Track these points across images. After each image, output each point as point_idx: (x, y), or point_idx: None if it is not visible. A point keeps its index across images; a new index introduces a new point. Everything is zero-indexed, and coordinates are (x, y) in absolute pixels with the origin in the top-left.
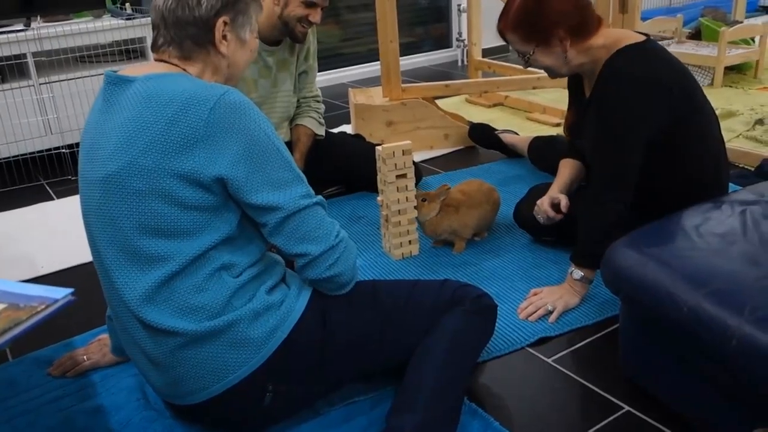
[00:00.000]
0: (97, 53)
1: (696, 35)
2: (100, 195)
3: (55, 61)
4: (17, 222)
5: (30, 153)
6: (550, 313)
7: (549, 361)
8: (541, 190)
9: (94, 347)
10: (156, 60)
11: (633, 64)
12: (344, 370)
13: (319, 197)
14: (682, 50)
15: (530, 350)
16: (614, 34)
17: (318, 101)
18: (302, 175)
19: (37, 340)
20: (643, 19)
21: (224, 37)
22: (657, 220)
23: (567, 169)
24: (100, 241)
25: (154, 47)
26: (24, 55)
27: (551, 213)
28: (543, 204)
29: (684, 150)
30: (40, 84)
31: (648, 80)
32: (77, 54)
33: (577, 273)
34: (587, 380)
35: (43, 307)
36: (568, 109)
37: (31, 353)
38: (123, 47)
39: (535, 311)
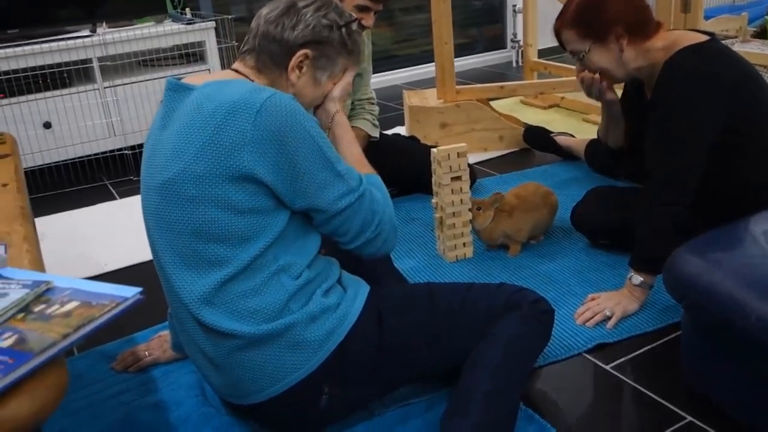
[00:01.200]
0: (158, 57)
1: (762, 34)
2: (158, 201)
3: (119, 66)
4: (82, 221)
5: (94, 154)
6: (609, 318)
7: (607, 368)
8: (599, 193)
9: (155, 343)
10: (231, 68)
11: (693, 62)
12: (399, 372)
13: (363, 187)
14: (747, 49)
15: (588, 356)
16: (673, 36)
17: (372, 103)
18: (342, 170)
19: (101, 335)
20: (706, 17)
21: (300, 67)
22: (721, 225)
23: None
24: (158, 244)
25: (239, 52)
26: (90, 60)
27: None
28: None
29: (749, 152)
30: (104, 88)
31: (709, 77)
32: (140, 58)
33: (637, 278)
34: (647, 389)
35: (114, 305)
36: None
37: (96, 348)
38: (183, 51)
39: (593, 316)
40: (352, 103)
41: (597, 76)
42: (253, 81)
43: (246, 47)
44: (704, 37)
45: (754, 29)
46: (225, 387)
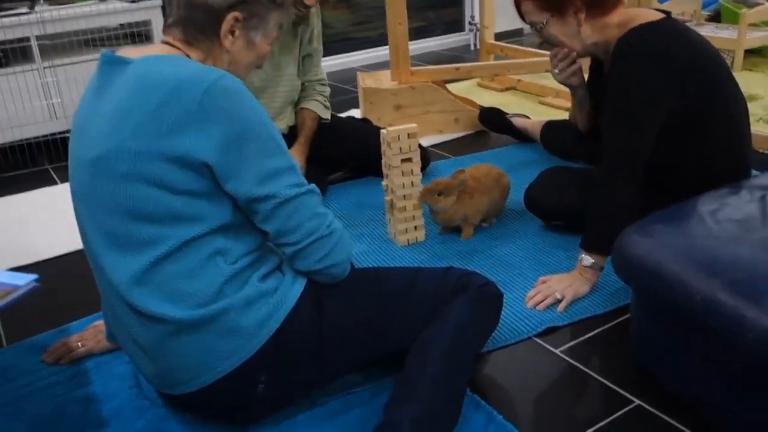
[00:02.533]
0: (102, 37)
1: (715, 17)
2: (88, 178)
3: (59, 45)
4: (21, 206)
5: (34, 137)
6: (559, 301)
7: (557, 352)
8: (552, 174)
9: (89, 334)
10: (162, 42)
11: (646, 40)
12: (342, 359)
13: (312, 185)
14: (702, 33)
15: (537, 340)
16: (630, 13)
17: (323, 84)
18: (295, 163)
19: (32, 325)
20: (660, 0)
21: (232, 32)
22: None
23: None
24: (87, 224)
25: (164, 26)
26: (27, 39)
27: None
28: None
29: (704, 132)
30: (44, 68)
31: (661, 55)
32: (82, 37)
33: (587, 260)
34: (597, 372)
35: (4, 293)
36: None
37: (26, 339)
38: (129, 30)
39: (543, 300)
40: (303, 84)
41: (569, 52)
42: (188, 56)
43: (171, 20)
44: (660, 15)
45: (708, 13)
46: (157, 376)
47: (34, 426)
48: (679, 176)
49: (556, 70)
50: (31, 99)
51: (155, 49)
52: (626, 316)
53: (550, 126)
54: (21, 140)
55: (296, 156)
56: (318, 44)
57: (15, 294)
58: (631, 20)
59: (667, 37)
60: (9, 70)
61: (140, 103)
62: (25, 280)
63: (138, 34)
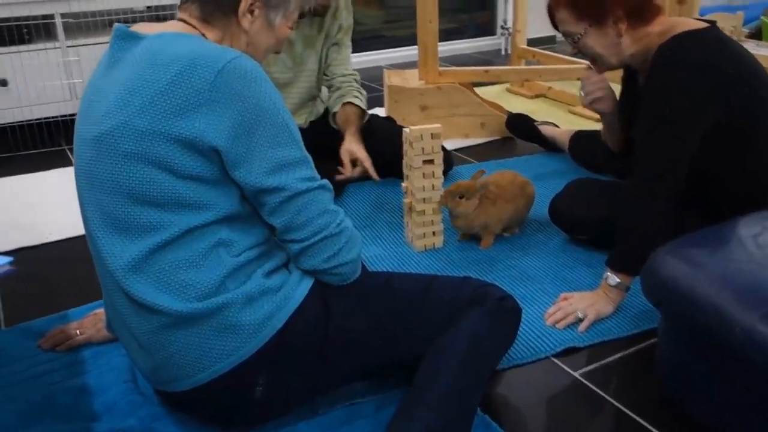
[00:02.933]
0: (127, 18)
1: (756, 35)
2: (91, 156)
3: (83, 24)
4: (34, 186)
5: (53, 117)
6: (581, 321)
7: (576, 374)
8: (580, 185)
9: (89, 321)
10: (178, 19)
11: (689, 48)
12: (346, 366)
13: (325, 181)
14: None
15: (556, 361)
16: (671, 22)
17: (358, 82)
18: (308, 156)
19: (31, 309)
20: (701, 14)
21: (251, 11)
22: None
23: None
24: (87, 205)
25: (180, 2)
26: (52, 16)
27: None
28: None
29: (746, 147)
30: (67, 47)
31: (704, 64)
32: (107, 18)
33: (613, 279)
34: (617, 399)
35: None
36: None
37: (24, 323)
38: (156, 13)
39: (564, 318)
40: (335, 79)
41: (602, 78)
42: (204, 35)
43: None
44: (704, 24)
45: (749, 30)
46: (151, 371)
47: (23, 413)
48: (717, 194)
49: (585, 94)
50: (53, 77)
51: (170, 25)
52: (652, 341)
53: (579, 136)
54: (39, 119)
55: (355, 148)
56: (347, 39)
57: None
58: (673, 28)
59: (712, 46)
60: (32, 46)
61: (150, 80)
62: None
63: (165, 18)
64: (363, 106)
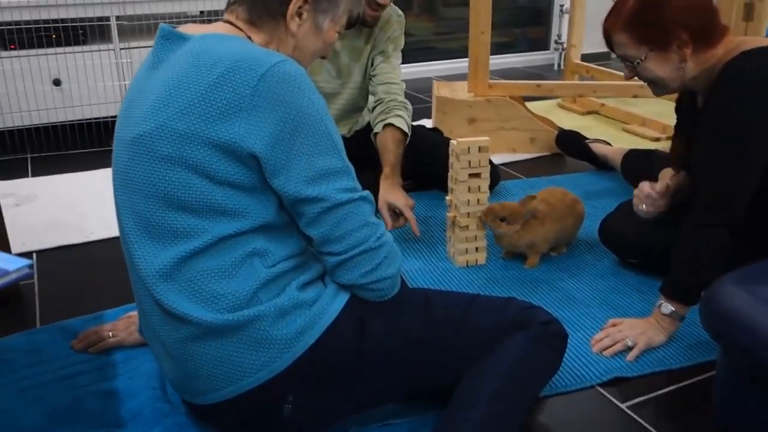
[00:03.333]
0: (180, 22)
1: None
2: (128, 157)
3: (137, 27)
4: (80, 185)
5: (104, 117)
6: (630, 349)
7: (623, 406)
8: (632, 206)
9: (122, 324)
10: (224, 21)
11: (757, 66)
12: (380, 388)
13: (366, 192)
14: None
15: (602, 391)
16: (737, 41)
17: (402, 93)
18: (350, 166)
19: (68, 309)
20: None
21: (299, 14)
22: None
23: (671, 175)
24: (122, 208)
25: (228, 3)
26: (107, 18)
27: (653, 193)
28: (644, 187)
29: None
30: (120, 49)
31: None
32: (160, 21)
33: (667, 307)
34: None
35: None
36: (674, 136)
37: (59, 322)
38: (209, 18)
39: (612, 345)
40: (381, 94)
41: (649, 190)
42: (249, 38)
43: None
44: None
45: None
46: (179, 381)
47: (50, 415)
48: None
49: (643, 207)
50: (104, 78)
51: (216, 27)
52: (706, 375)
53: (632, 155)
54: (90, 119)
55: (393, 197)
56: (393, 49)
57: (5, 279)
58: (739, 47)
59: None
60: (86, 48)
61: (192, 81)
62: (17, 264)
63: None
64: (404, 128)
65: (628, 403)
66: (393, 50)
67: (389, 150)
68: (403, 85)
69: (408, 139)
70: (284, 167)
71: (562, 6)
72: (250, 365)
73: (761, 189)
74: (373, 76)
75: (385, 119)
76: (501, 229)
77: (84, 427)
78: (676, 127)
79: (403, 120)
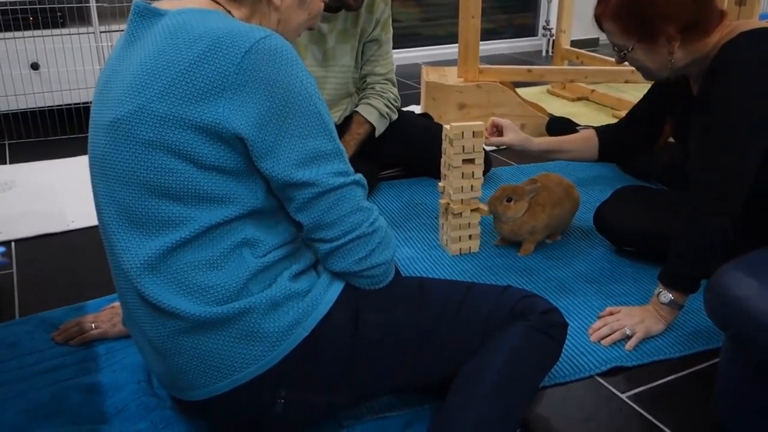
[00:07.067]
0: None
1: None
2: (105, 143)
3: (117, 9)
4: (59, 172)
5: (84, 102)
6: (628, 338)
7: (622, 396)
8: (629, 193)
9: (105, 315)
10: None
11: (757, 47)
12: (375, 381)
13: (359, 176)
14: None
15: (601, 380)
16: (732, 24)
17: (389, 83)
18: (342, 148)
19: (48, 300)
20: (761, 19)
21: None
22: None
23: (576, 137)
24: (101, 196)
25: None
26: (87, 0)
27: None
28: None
29: None
30: (100, 32)
31: None
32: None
33: (666, 296)
34: (667, 425)
35: None
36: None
37: (39, 314)
38: None
39: (611, 334)
40: (365, 78)
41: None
42: (230, 13)
43: None
44: None
45: None
46: (166, 377)
47: (31, 412)
48: None
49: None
50: (84, 62)
51: (193, 1)
52: (706, 364)
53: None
54: (69, 104)
55: None
56: (386, 34)
57: None
58: (736, 29)
59: None
60: (65, 30)
61: (171, 60)
62: None
63: None
64: (369, 116)
65: (628, 393)
66: (384, 35)
67: (351, 130)
68: (391, 69)
69: (372, 127)
70: (272, 150)
71: None
72: (240, 360)
73: (761, 178)
74: (365, 62)
75: (358, 105)
76: (510, 212)
77: (65, 423)
78: (649, 96)
79: (373, 109)
